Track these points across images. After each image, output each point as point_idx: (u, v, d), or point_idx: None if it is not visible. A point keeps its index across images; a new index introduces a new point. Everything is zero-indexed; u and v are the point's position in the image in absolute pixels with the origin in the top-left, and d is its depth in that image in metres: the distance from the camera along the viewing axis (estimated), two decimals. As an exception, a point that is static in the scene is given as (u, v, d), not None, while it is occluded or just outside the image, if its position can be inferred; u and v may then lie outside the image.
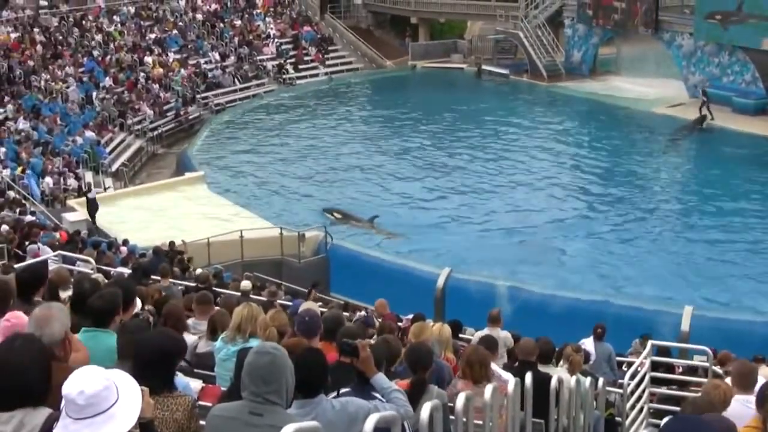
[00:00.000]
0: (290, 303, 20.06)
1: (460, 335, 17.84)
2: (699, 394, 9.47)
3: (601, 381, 14.22)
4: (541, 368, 11.82)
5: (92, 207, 35.50)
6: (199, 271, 24.38)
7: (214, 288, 19.39)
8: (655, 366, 16.29)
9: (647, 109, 54.37)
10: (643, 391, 15.39)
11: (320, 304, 19.95)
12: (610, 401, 15.45)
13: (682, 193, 43.29)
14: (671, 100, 54.99)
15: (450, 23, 73.94)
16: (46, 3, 59.48)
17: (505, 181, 43.78)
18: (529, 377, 10.22)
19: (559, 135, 52.21)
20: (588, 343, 17.54)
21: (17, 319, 7.20)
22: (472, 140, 50.51)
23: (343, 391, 7.24)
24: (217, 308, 12.57)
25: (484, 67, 64.57)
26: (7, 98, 47.16)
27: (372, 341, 10.85)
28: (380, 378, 7.40)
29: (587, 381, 12.78)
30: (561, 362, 14.16)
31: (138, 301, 10.51)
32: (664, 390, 16.22)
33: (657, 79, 57.38)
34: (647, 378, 15.56)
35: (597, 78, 61.69)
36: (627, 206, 40.36)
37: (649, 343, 16.63)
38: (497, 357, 12.89)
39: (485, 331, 15.86)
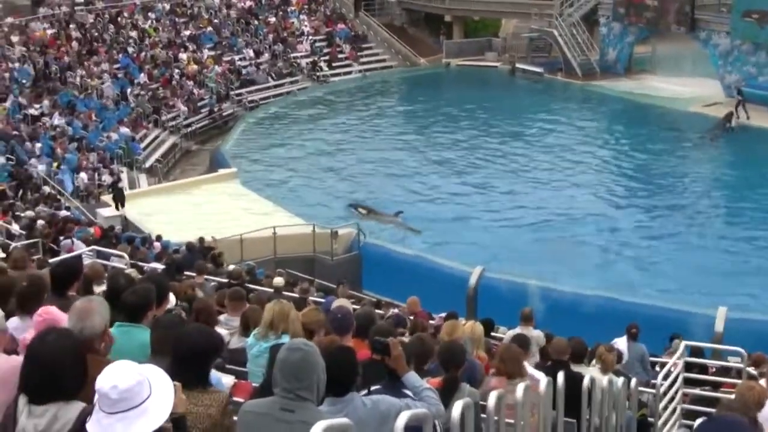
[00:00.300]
0: (323, 300, 20.08)
1: (492, 334, 17.80)
2: (733, 396, 9.41)
3: (633, 381, 14.15)
4: (574, 368, 11.78)
5: (119, 196, 35.89)
6: (231, 267, 24.42)
7: (246, 284, 19.41)
8: (688, 367, 16.21)
9: (683, 108, 54.03)
10: (676, 391, 15.31)
11: (353, 300, 19.93)
12: (643, 402, 15.37)
13: (716, 192, 43.00)
14: (707, 99, 54.60)
15: (484, 21, 73.75)
16: (81, 0, 59.78)
17: (537, 179, 43.63)
18: (561, 376, 10.18)
19: (592, 134, 52.01)
20: (621, 343, 17.44)
21: (49, 314, 7.24)
22: (505, 138, 50.38)
23: (373, 388, 7.23)
24: (249, 305, 12.58)
25: (518, 65, 64.36)
26: (43, 94, 47.36)
27: (404, 339, 10.85)
28: (412, 376, 7.39)
29: (620, 381, 12.73)
30: (593, 362, 14.10)
31: (172, 297, 10.56)
32: (697, 391, 16.12)
33: (693, 78, 57.01)
34: (680, 379, 15.48)
35: (632, 77, 61.33)
36: (660, 205, 40.14)
37: (683, 343, 16.54)
38: (529, 356, 12.86)
39: (518, 330, 15.84)
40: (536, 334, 16.28)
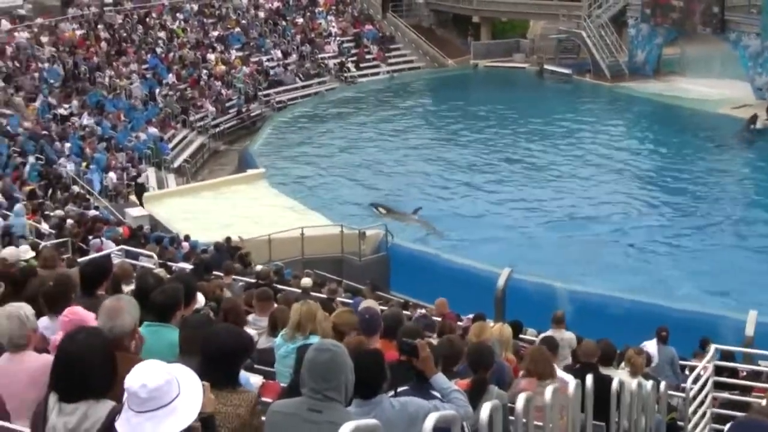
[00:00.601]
0: (350, 301, 20.07)
1: (521, 336, 17.75)
2: (764, 401, 9.35)
3: (663, 384, 14.07)
4: (603, 370, 11.72)
5: (140, 190, 36.29)
6: (259, 267, 24.45)
7: (274, 284, 19.42)
8: (718, 370, 16.12)
9: (712, 110, 53.74)
10: (706, 395, 15.23)
11: (380, 302, 19.92)
12: (672, 405, 15.29)
13: (745, 195, 42.76)
14: (736, 101, 54.25)
15: (512, 22, 73.67)
16: (110, 0, 60.06)
17: (565, 180, 43.51)
18: (590, 379, 10.14)
19: (620, 135, 51.87)
20: (650, 346, 17.36)
21: (75, 314, 7.25)
22: (532, 139, 50.30)
23: (401, 389, 7.22)
24: (277, 305, 12.58)
25: (546, 66, 64.22)
26: (72, 94, 47.58)
27: (432, 341, 10.83)
28: (440, 378, 7.38)
29: (649, 384, 12.67)
30: (622, 364, 14.03)
31: (200, 297, 10.57)
32: (726, 395, 16.04)
33: (722, 80, 56.70)
34: (710, 382, 15.40)
35: (661, 78, 61.08)
36: (689, 207, 39.96)
37: (713, 347, 16.45)
38: (558, 358, 12.80)
39: (549, 333, 15.79)
40: (568, 336, 16.21)
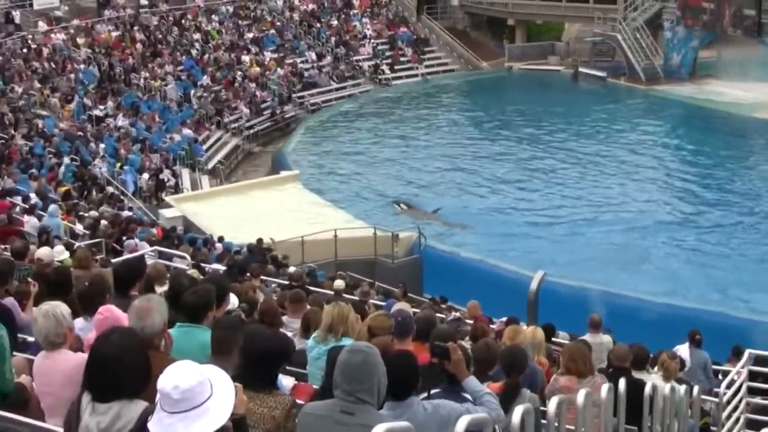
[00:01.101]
0: (383, 303, 20.07)
1: (553, 339, 17.70)
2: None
3: (696, 389, 14.00)
4: (635, 374, 11.68)
5: (160, 186, 36.95)
6: (292, 269, 24.50)
7: (307, 286, 19.45)
8: (752, 375, 16.02)
9: (747, 113, 53.42)
10: (740, 400, 15.14)
11: (413, 305, 19.90)
12: (705, 410, 15.20)
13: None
14: (772, 104, 53.97)
15: (547, 25, 73.46)
16: (146, 2, 60.38)
17: (598, 183, 43.43)
18: (622, 383, 10.10)
19: (655, 139, 51.62)
20: (683, 350, 17.23)
21: (110, 312, 7.30)
22: (566, 142, 50.16)
23: (433, 392, 7.21)
24: (310, 307, 12.60)
25: (581, 69, 64.00)
26: (107, 96, 47.85)
27: (464, 344, 10.82)
28: (471, 381, 7.37)
29: (682, 388, 12.60)
30: (655, 369, 13.97)
31: (233, 298, 10.60)
32: (760, 400, 15.94)
33: (759, 83, 56.29)
34: (744, 387, 15.30)
35: (697, 82, 60.69)
36: (722, 212, 39.69)
37: (747, 352, 16.35)
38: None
39: (586, 337, 15.75)
40: (606, 340, 16.14)
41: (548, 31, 73.40)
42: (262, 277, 20.29)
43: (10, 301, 9.83)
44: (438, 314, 17.59)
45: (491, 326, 17.56)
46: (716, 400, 14.81)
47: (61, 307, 7.09)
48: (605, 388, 9.41)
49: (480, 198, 41.74)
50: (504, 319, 17.96)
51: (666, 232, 37.45)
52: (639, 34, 61.90)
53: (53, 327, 6.92)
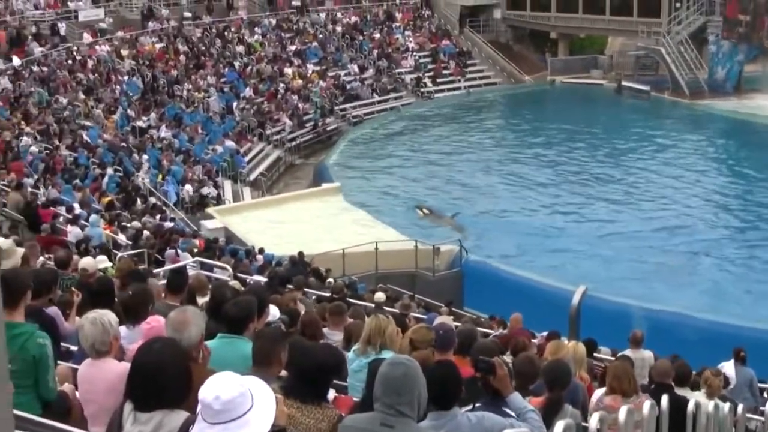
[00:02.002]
0: (424, 316, 20.03)
1: (594, 354, 17.58)
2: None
3: (741, 407, 13.83)
4: (678, 391, 11.57)
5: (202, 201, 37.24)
6: (331, 281, 24.51)
7: (347, 299, 19.44)
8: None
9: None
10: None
11: (453, 318, 19.84)
12: (751, 429, 15.03)
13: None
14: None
15: (590, 38, 73.25)
16: (190, 14, 60.72)
17: (641, 197, 43.21)
18: (665, 400, 10.01)
19: (698, 153, 51.33)
20: (728, 367, 17.06)
21: (157, 322, 7.33)
22: (609, 156, 49.99)
23: (477, 405, 7.18)
24: (351, 319, 12.60)
25: (624, 83, 63.70)
26: (151, 107, 48.12)
27: (506, 358, 10.76)
28: (516, 397, 7.33)
29: (726, 406, 12.46)
30: (699, 386, 13.83)
31: (274, 310, 10.60)
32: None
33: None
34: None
35: (742, 96, 60.28)
36: (766, 226, 39.39)
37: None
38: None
39: (627, 353, 15.64)
40: (647, 356, 16.01)
41: (591, 44, 73.15)
42: (304, 289, 20.31)
43: (53, 311, 9.89)
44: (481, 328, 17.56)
45: (532, 340, 17.48)
46: (762, 418, 14.63)
47: (108, 316, 7.13)
48: (647, 405, 9.32)
49: (523, 212, 41.63)
50: (545, 333, 17.88)
51: (710, 246, 37.18)
52: (683, 47, 61.58)
53: (100, 335, 6.97)
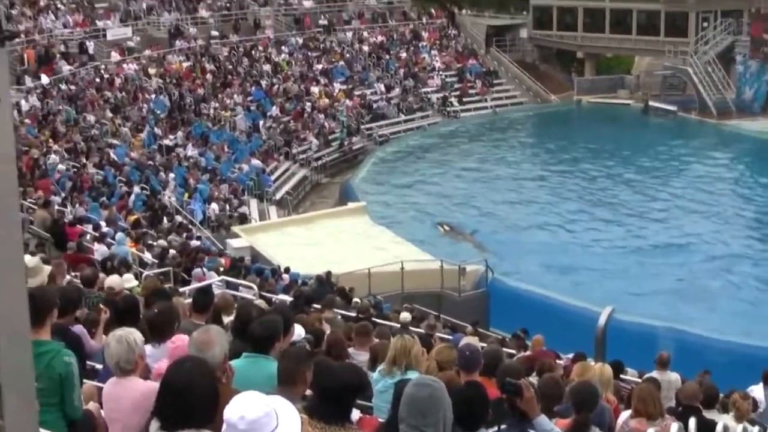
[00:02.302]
0: (450, 336, 19.96)
1: (621, 376, 17.47)
2: None
3: (770, 431, 13.72)
4: (706, 414, 11.46)
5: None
6: (357, 300, 24.46)
7: (373, 319, 19.39)
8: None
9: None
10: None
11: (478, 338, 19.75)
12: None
13: None
14: None
15: (617, 58, 73.19)
16: (217, 33, 60.97)
17: (667, 218, 43.04)
18: (693, 423, 9.93)
19: (726, 173, 51.13)
20: (757, 390, 16.90)
21: (182, 341, 7.31)
22: (636, 175, 49.84)
23: (503, 427, 7.13)
24: (377, 340, 12.56)
25: (651, 103, 63.59)
26: (177, 125, 48.29)
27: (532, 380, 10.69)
28: (543, 420, 7.27)
29: (755, 430, 12.35)
30: (727, 408, 13.70)
31: (299, 329, 10.57)
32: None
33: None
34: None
35: (770, 116, 60.09)
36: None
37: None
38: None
39: (653, 374, 15.52)
40: (674, 378, 15.90)
41: (618, 64, 73.10)
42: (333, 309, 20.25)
43: (79, 329, 9.90)
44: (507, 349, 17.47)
45: (558, 362, 17.39)
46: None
47: (134, 334, 7.13)
48: (675, 427, 9.25)
49: (548, 231, 41.55)
50: (571, 355, 17.78)
51: (738, 267, 36.97)
52: (710, 67, 61.42)
53: (125, 353, 6.97)
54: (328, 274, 28.70)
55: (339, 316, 20.33)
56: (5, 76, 3.34)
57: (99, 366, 9.38)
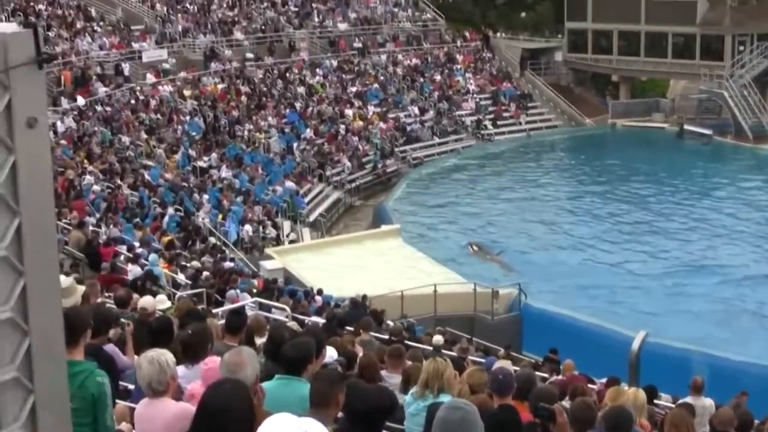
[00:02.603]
0: (482, 360, 19.89)
1: (655, 401, 17.35)
2: None
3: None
4: (741, 440, 11.38)
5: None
6: (390, 323, 24.44)
7: (405, 341, 19.36)
8: None
9: None
10: None
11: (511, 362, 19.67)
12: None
13: None
14: None
15: (652, 81, 73.00)
16: (252, 56, 61.21)
17: (702, 242, 42.78)
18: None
19: (762, 197, 50.75)
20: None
21: (214, 363, 7.32)
22: (670, 199, 49.62)
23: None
24: (410, 362, 12.53)
25: (686, 126, 63.38)
26: (212, 147, 48.46)
27: (565, 404, 10.65)
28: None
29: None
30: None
31: (331, 351, 10.57)
32: None
33: None
34: None
35: (806, 140, 59.71)
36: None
37: None
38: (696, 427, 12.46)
39: (687, 400, 15.42)
40: (708, 404, 15.78)
41: (653, 87, 72.92)
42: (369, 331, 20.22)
43: (111, 348, 9.94)
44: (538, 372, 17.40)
45: (591, 386, 17.30)
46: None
47: (166, 355, 7.14)
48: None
49: (582, 254, 41.38)
50: (604, 379, 17.69)
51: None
52: (746, 91, 61.15)
53: (157, 374, 6.98)
54: (364, 297, 28.67)
55: (374, 339, 20.33)
56: (43, 98, 3.36)
57: (131, 386, 9.41)
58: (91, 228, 29.78)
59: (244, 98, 55.73)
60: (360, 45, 66.80)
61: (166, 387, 7.01)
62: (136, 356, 9.26)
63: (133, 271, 24.80)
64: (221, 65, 58.99)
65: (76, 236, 26.92)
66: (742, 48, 64.13)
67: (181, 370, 8.33)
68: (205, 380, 7.04)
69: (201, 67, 58.45)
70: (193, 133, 49.43)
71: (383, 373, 12.44)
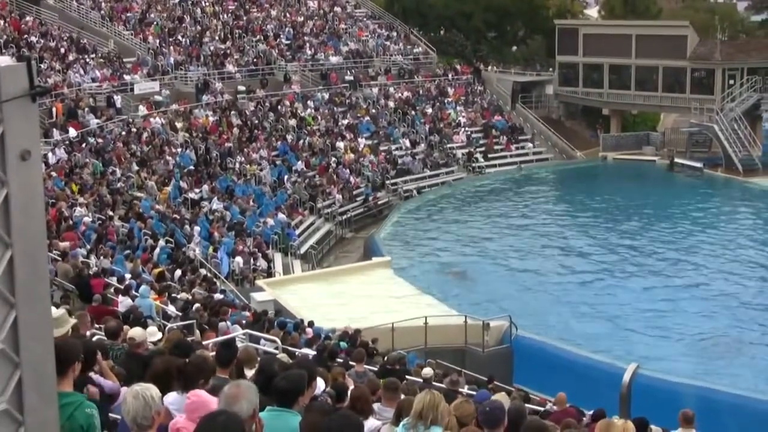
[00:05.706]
0: (474, 392, 19.84)
1: (646, 434, 17.31)
2: None
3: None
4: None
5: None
6: (385, 358, 24.38)
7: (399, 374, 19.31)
8: None
9: None
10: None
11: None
12: None
13: None
14: None
15: (643, 115, 73.28)
16: (243, 88, 61.35)
17: (694, 275, 42.82)
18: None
19: (752, 230, 50.88)
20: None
21: (197, 397, 7.33)
22: (661, 232, 49.71)
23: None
24: (404, 396, 12.50)
25: (677, 160, 63.63)
26: (203, 179, 48.45)
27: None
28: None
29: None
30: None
31: (320, 383, 10.56)
32: None
33: None
34: None
35: (796, 173, 59.97)
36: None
37: None
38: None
39: (678, 432, 15.42)
40: (698, 437, 15.79)
41: (644, 121, 73.28)
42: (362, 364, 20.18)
43: (98, 378, 9.91)
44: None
45: (582, 419, 17.29)
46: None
47: (151, 390, 7.12)
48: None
49: (573, 287, 41.40)
50: (591, 412, 17.69)
51: (762, 326, 36.68)
52: (737, 124, 61.45)
53: (141, 409, 6.95)
54: (356, 331, 28.52)
55: (369, 371, 20.30)
56: (36, 131, 3.38)
57: (119, 417, 9.39)
58: (81, 259, 29.69)
59: (235, 130, 55.79)
60: (351, 78, 67.04)
61: (150, 423, 6.99)
62: (123, 388, 9.24)
63: (124, 302, 24.73)
64: (213, 97, 59.09)
65: (63, 268, 26.86)
66: (732, 82, 64.48)
67: (173, 395, 8.37)
68: (187, 412, 7.08)
69: (192, 99, 58.53)
70: (185, 165, 49.42)
71: (376, 406, 12.40)
